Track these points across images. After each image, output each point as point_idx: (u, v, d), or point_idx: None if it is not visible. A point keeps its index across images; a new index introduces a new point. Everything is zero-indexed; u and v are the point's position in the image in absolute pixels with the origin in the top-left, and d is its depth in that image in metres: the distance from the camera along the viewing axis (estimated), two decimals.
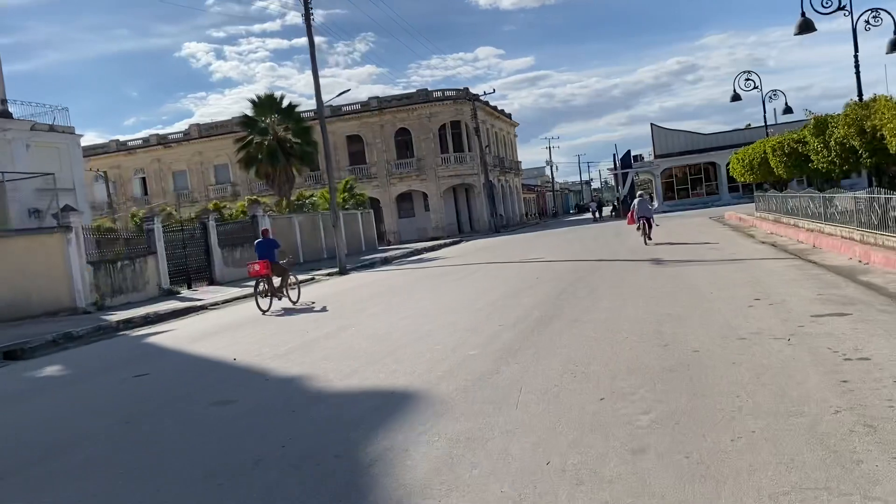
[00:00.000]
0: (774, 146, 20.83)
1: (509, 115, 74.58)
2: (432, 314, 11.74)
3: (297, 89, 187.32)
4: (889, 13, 17.17)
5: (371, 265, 29.88)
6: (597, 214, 57.19)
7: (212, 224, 27.92)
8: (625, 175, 57.74)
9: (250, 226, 31.43)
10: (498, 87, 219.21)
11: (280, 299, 16.22)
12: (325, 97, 54.46)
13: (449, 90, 57.98)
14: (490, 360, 7.58)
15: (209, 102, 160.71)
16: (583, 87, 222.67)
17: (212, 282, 27.39)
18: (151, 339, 13.71)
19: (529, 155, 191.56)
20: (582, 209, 61.77)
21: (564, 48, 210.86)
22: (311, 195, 44.14)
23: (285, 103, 37.70)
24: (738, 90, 30.96)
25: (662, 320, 8.69)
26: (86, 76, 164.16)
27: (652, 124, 60.51)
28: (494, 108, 67.50)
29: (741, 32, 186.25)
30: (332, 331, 11.27)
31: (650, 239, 21.07)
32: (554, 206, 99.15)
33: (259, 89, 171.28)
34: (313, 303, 16.37)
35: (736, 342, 7.10)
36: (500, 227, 54.28)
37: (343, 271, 27.18)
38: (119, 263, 23.26)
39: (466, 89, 57.52)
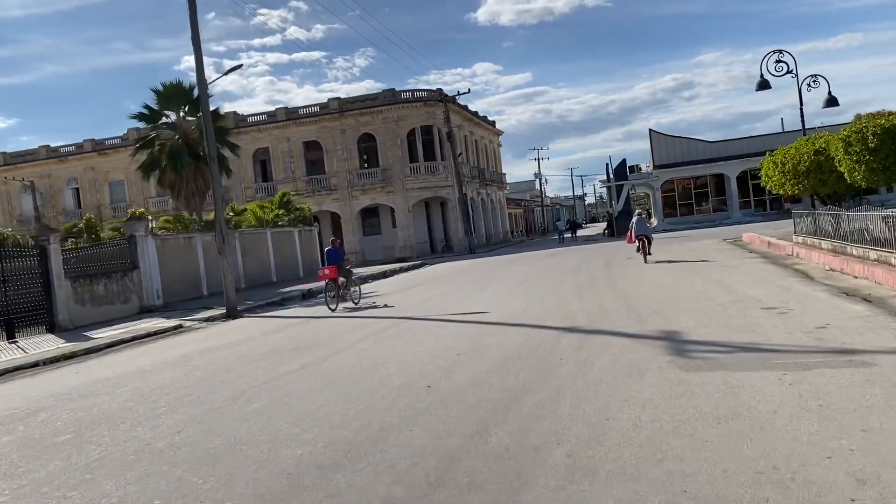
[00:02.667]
0: (848, 137, 13.37)
1: (493, 123, 67.15)
2: None
3: (296, 104, 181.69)
4: None
5: (282, 303, 22.30)
6: (565, 236, 49.59)
7: (54, 248, 20.23)
8: (619, 188, 50.14)
9: (127, 250, 23.85)
10: (495, 103, 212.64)
11: (345, 300, 17.90)
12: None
13: (420, 91, 50.45)
14: None
15: None
16: (579, 103, 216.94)
17: (52, 328, 19.77)
18: None
19: (525, 171, 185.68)
20: (573, 226, 54.19)
21: (562, 65, 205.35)
22: (244, 209, 36.44)
23: (196, 94, 30.04)
24: (768, 76, 23.62)
25: None
26: (84, 89, 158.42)
27: (651, 130, 53.14)
28: (475, 113, 60.08)
29: (737, 50, 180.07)
30: None
31: (650, 255, 21.37)
32: (543, 221, 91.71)
33: (258, 103, 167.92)
34: (374, 303, 17.84)
35: None
36: (474, 246, 46.66)
37: (232, 314, 19.63)
38: None
39: (439, 90, 50.00)
